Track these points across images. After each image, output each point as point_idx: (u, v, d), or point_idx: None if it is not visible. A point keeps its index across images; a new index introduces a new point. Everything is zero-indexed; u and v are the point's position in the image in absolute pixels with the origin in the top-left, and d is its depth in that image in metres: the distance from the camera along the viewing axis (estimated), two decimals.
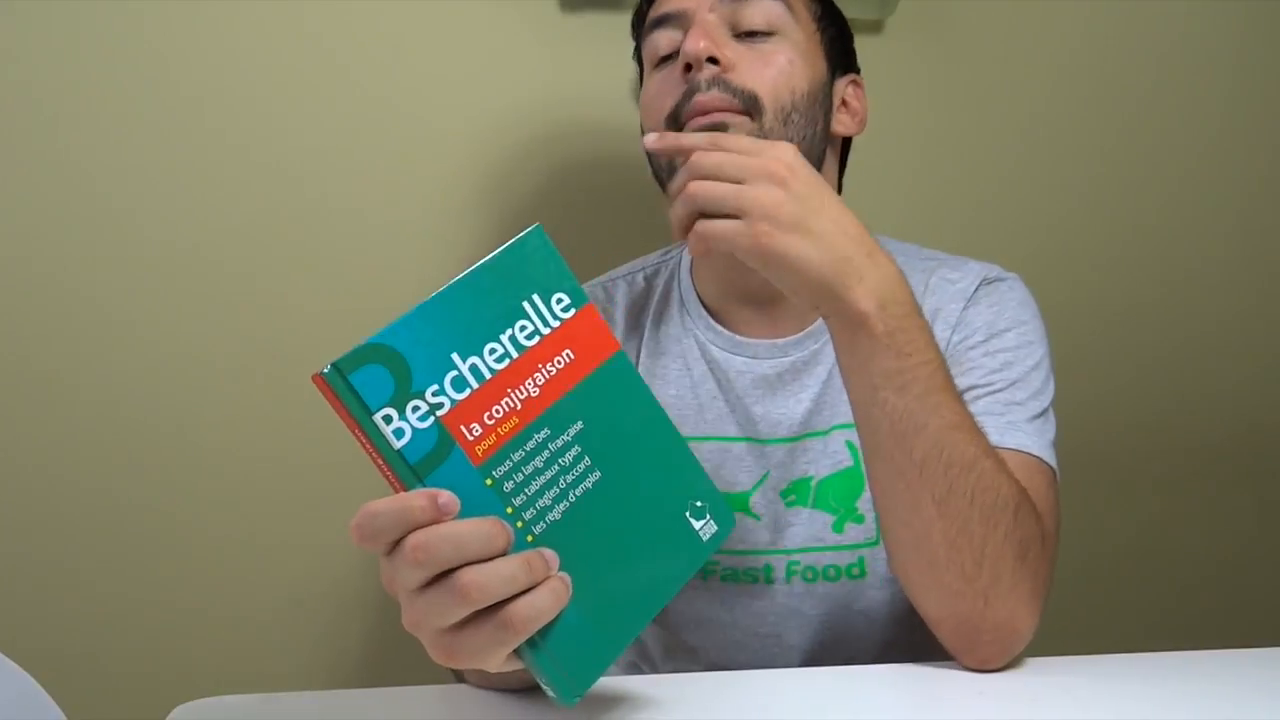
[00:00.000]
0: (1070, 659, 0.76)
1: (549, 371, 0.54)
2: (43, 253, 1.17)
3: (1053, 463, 0.81)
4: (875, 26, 1.24)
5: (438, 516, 0.49)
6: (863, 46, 0.97)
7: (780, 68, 0.84)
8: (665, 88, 0.86)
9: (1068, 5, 1.28)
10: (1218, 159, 1.34)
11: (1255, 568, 1.43)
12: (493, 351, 0.52)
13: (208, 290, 1.20)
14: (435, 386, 0.50)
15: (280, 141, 1.19)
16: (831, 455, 0.88)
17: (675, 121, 0.84)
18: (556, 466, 0.54)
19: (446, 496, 0.49)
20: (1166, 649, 0.79)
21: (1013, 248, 1.29)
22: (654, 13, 0.89)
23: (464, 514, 0.50)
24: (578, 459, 0.54)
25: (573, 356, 0.55)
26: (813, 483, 0.88)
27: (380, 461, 0.50)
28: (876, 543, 0.86)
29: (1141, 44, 1.30)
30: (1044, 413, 0.83)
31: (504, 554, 0.50)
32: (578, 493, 0.54)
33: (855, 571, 0.87)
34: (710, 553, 0.60)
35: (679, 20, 0.86)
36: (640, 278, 0.98)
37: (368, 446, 0.50)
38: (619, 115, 1.22)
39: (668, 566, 0.58)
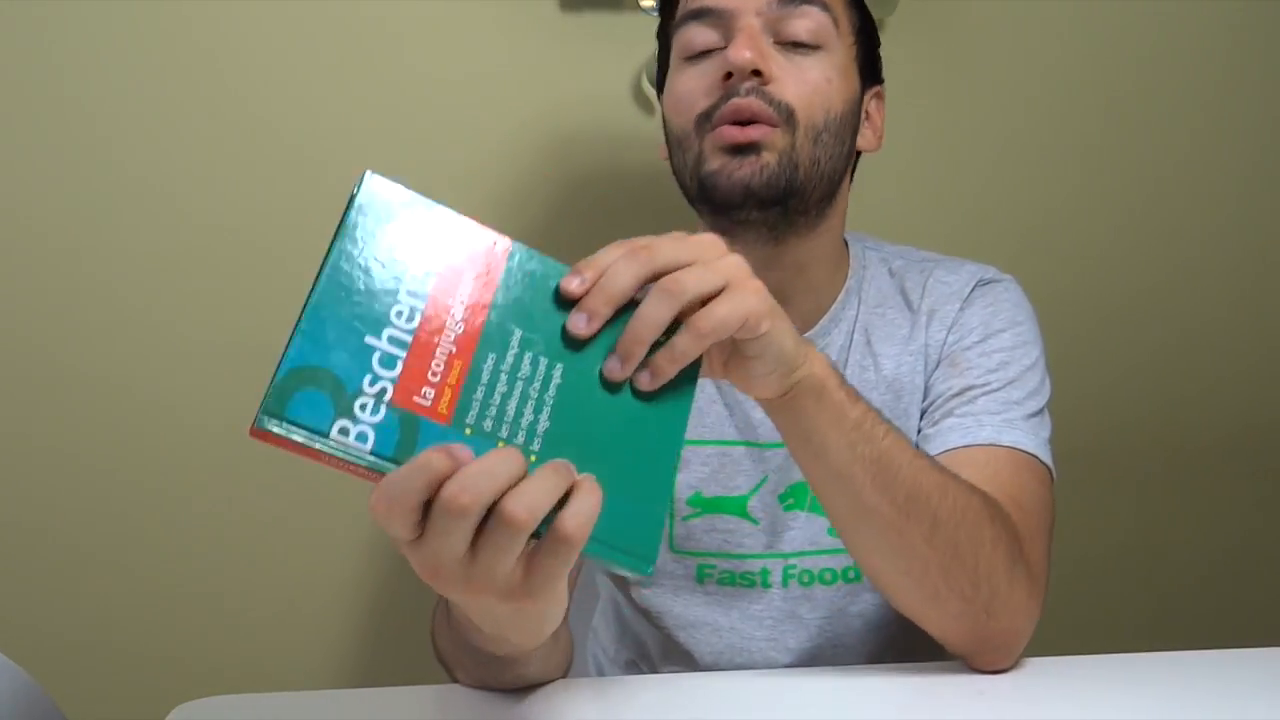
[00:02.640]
0: (1070, 659, 0.76)
1: (462, 300, 0.52)
2: (46, 252, 1.17)
3: (1048, 461, 0.81)
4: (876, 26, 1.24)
5: (456, 465, 0.46)
6: None
7: (817, 85, 0.82)
8: (699, 86, 0.83)
9: (1066, 6, 1.28)
10: (1213, 159, 1.34)
11: (1254, 568, 1.43)
12: (400, 314, 0.50)
13: (208, 290, 1.20)
14: (368, 377, 0.49)
15: (277, 141, 1.19)
16: None
17: (708, 121, 0.82)
18: (519, 381, 0.52)
19: (458, 445, 0.47)
20: (1165, 649, 0.79)
21: (1010, 247, 1.29)
22: (693, 2, 0.84)
23: None
24: (534, 364, 0.53)
25: (475, 272, 0.52)
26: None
27: (362, 472, 0.49)
28: None
29: (1137, 44, 1.30)
30: (1040, 412, 0.84)
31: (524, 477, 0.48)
32: (550, 393, 0.53)
33: (851, 575, 0.87)
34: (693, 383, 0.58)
35: (719, 18, 0.83)
36: None
37: (342, 466, 0.49)
38: (619, 115, 1.22)
39: (666, 408, 0.56)
